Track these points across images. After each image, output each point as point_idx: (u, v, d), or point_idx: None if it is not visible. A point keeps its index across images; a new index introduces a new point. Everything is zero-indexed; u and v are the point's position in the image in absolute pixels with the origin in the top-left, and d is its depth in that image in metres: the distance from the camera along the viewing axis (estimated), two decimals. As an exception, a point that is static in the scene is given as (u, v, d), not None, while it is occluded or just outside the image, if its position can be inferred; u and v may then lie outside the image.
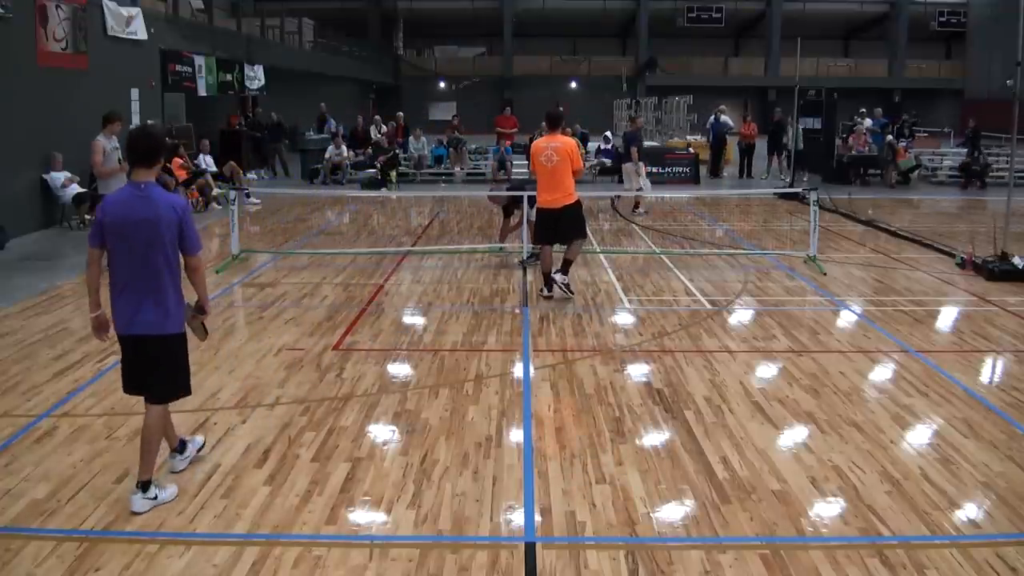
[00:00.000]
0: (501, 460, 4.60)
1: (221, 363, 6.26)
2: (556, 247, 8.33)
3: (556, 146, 7.93)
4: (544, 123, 8.47)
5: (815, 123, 20.48)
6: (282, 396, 5.59)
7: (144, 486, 4.04)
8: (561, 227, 8.11)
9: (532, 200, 9.40)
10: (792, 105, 18.94)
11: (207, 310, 4.36)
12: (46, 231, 12.07)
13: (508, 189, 10.96)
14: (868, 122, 21.17)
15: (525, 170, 21.31)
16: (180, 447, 4.46)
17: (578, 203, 8.16)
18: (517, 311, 7.83)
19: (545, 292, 8.14)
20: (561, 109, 8.69)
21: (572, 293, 8.16)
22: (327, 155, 19.27)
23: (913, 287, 9.00)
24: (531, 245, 9.73)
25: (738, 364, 6.31)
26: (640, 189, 13.96)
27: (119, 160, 9.31)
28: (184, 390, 4.31)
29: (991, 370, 6.39)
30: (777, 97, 34.08)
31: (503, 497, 4.18)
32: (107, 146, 9.14)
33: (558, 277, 8.05)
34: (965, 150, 20.19)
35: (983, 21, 28.95)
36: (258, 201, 15.69)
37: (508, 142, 20.90)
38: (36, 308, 7.83)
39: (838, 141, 20.44)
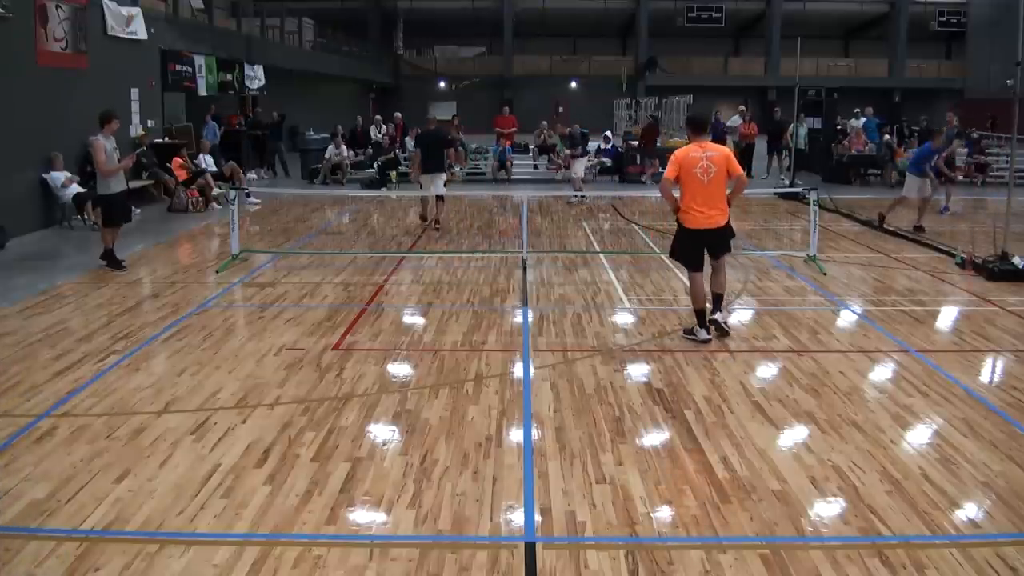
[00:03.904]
0: (501, 460, 4.60)
1: (221, 363, 6.26)
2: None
3: (712, 155, 6.68)
4: (687, 129, 7.17)
5: (815, 123, 20.46)
6: (282, 396, 5.59)
7: None
8: (715, 247, 6.94)
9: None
10: (792, 105, 18.94)
11: None
12: (46, 231, 12.06)
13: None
14: (863, 120, 21.14)
15: (526, 169, 21.42)
16: None
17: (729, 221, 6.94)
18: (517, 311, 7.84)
19: (703, 335, 6.81)
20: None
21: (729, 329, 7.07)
22: (327, 155, 19.29)
23: (913, 287, 9.00)
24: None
25: (738, 364, 6.31)
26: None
27: (118, 159, 9.36)
28: None
29: (991, 370, 6.39)
30: (777, 97, 34.07)
31: (503, 497, 4.17)
32: (107, 146, 9.16)
33: (719, 316, 6.98)
34: (966, 150, 20.18)
35: (983, 21, 28.93)
36: (258, 201, 15.69)
37: (508, 142, 20.89)
38: (36, 308, 7.83)
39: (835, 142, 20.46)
